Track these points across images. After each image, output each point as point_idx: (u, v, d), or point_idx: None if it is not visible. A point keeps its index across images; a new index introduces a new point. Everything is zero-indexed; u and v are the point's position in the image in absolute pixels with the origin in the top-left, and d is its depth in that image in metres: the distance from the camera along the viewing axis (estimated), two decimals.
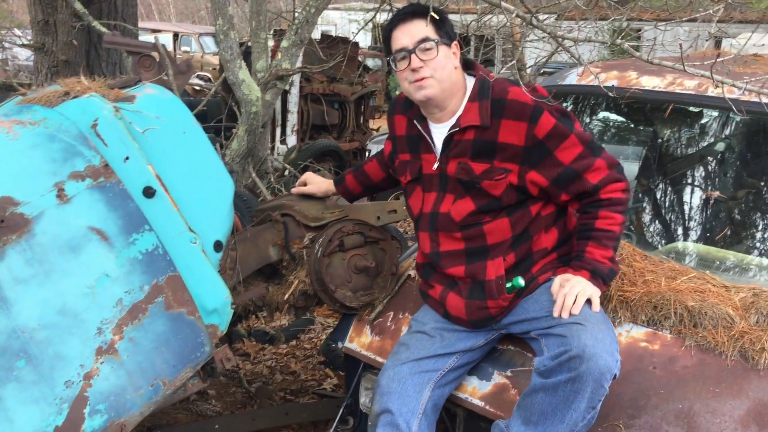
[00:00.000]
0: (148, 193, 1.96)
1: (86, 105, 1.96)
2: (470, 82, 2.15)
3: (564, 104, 3.01)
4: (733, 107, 2.01)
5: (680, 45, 1.76)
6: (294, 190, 2.66)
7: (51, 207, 1.84)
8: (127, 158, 1.95)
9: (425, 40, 2.05)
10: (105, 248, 1.87)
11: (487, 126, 2.06)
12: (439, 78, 2.07)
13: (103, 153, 1.92)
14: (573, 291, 1.99)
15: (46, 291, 1.80)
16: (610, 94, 2.01)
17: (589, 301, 2.00)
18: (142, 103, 2.04)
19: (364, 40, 13.93)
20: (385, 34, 2.14)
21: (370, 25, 5.64)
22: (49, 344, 1.79)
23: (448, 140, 2.13)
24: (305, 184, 2.67)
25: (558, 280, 2.06)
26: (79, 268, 1.84)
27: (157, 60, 2.23)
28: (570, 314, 1.96)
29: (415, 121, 2.21)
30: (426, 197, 2.23)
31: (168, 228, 1.97)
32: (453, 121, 2.13)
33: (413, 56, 2.06)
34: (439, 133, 2.17)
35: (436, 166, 2.17)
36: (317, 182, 2.66)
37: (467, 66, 2.18)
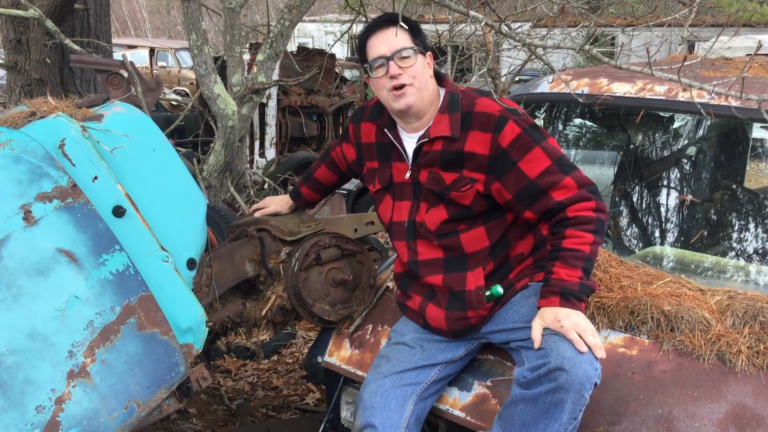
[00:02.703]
0: (118, 212, 1.93)
1: (53, 125, 1.93)
2: (441, 93, 2.15)
3: (537, 112, 3.02)
4: (702, 111, 2.02)
5: (647, 50, 1.76)
6: (257, 214, 2.64)
7: (18, 230, 1.81)
8: (95, 178, 1.93)
9: (403, 48, 2.05)
10: (74, 270, 1.84)
11: (456, 137, 2.06)
12: (419, 86, 2.06)
13: (70, 173, 1.89)
14: (567, 332, 1.86)
15: (14, 315, 1.77)
16: (580, 100, 2.01)
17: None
18: (111, 122, 2.02)
19: (341, 51, 13.96)
20: (360, 42, 2.13)
21: (347, 36, 5.65)
22: (18, 369, 1.75)
23: (418, 150, 2.13)
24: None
25: (537, 326, 1.93)
26: (48, 290, 1.81)
27: (126, 77, 2.21)
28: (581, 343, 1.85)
29: (385, 130, 2.20)
30: (397, 206, 2.22)
31: (139, 247, 1.95)
32: (422, 131, 2.13)
33: (391, 63, 2.04)
34: (410, 141, 2.17)
35: (408, 174, 2.17)
36: (276, 201, 2.66)
37: (437, 78, 2.17)
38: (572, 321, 1.88)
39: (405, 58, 2.04)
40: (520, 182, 2.00)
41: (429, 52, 2.12)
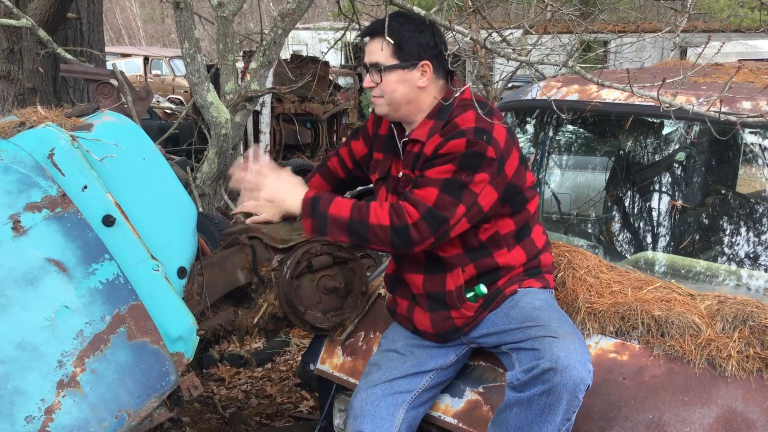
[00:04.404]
0: (108, 221, 1.93)
1: (42, 135, 1.93)
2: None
3: (528, 118, 3.03)
4: (688, 119, 2.02)
5: (627, 69, 1.77)
6: (248, 221, 2.63)
7: (6, 240, 1.81)
8: (85, 187, 1.92)
9: (374, 65, 2.10)
10: (64, 279, 1.83)
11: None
12: (389, 100, 2.12)
13: (60, 183, 1.89)
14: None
15: (3, 325, 1.76)
16: (563, 115, 2.02)
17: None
18: (100, 131, 2.02)
19: (335, 59, 13.97)
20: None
21: (340, 44, 5.66)
22: (7, 380, 1.74)
23: (403, 149, 2.19)
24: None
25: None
26: (37, 300, 1.80)
27: (116, 86, 2.21)
28: None
29: (392, 124, 2.26)
30: (390, 199, 2.23)
31: (129, 256, 1.95)
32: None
33: (367, 76, 2.14)
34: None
35: (398, 171, 2.21)
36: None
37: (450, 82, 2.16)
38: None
39: (378, 73, 2.10)
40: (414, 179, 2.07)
41: (423, 62, 2.07)
